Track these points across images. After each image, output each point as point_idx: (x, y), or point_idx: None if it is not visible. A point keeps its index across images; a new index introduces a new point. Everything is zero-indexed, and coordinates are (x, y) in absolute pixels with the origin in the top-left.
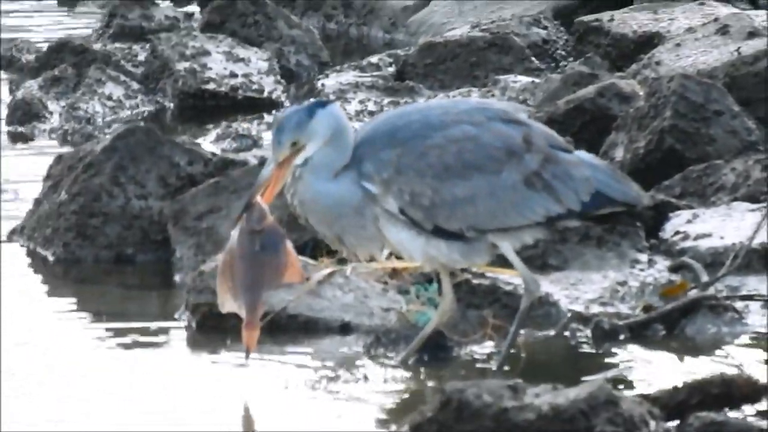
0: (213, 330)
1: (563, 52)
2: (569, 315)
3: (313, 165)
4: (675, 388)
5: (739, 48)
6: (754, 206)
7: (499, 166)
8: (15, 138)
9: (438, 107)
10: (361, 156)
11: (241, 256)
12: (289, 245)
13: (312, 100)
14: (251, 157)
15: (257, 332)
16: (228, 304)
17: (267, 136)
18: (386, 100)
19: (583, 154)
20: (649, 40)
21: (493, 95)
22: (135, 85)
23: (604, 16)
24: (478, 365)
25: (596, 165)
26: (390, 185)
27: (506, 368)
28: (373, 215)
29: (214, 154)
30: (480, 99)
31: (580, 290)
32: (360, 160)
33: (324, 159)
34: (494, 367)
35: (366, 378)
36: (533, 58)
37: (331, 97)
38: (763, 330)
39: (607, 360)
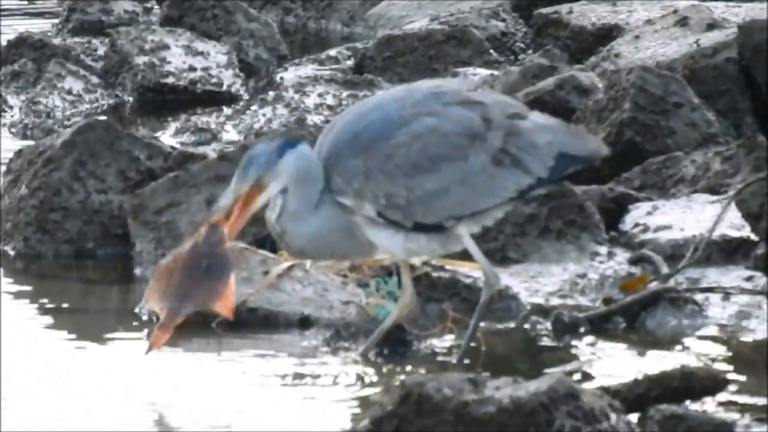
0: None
1: (522, 45)
2: (529, 308)
3: (291, 214)
4: (635, 381)
5: (698, 40)
6: (714, 198)
7: (464, 152)
8: None
9: (393, 100)
10: (329, 172)
11: (184, 268)
12: (232, 278)
13: (283, 138)
14: (210, 150)
15: (167, 336)
16: (152, 302)
17: (226, 130)
18: (345, 93)
19: (537, 117)
20: (608, 33)
21: None
22: (94, 80)
23: (563, 8)
24: (438, 359)
25: (553, 126)
26: (363, 193)
27: (466, 361)
28: (359, 227)
29: (173, 148)
30: (432, 82)
31: (540, 283)
32: (329, 176)
33: (299, 203)
34: (455, 361)
35: (326, 372)
36: (492, 51)
37: (290, 90)
38: (724, 322)
39: (567, 353)
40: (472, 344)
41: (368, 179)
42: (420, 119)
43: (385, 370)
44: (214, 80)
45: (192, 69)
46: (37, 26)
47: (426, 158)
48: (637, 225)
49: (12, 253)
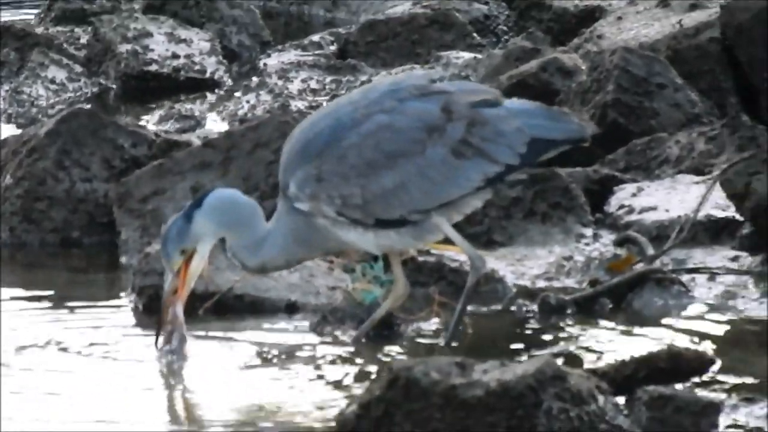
0: (159, 311)
1: (505, 28)
2: (515, 291)
3: (246, 250)
4: (623, 363)
5: (681, 20)
6: (699, 178)
7: (421, 146)
8: None
9: (348, 104)
10: (285, 182)
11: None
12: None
13: (187, 204)
14: (195, 138)
15: None
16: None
17: (210, 116)
18: (328, 79)
19: (513, 103)
20: (591, 14)
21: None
22: (78, 68)
23: None
24: (425, 342)
25: (529, 110)
26: (318, 196)
27: (454, 344)
28: (326, 229)
29: (157, 136)
30: (392, 78)
31: (525, 266)
32: (286, 185)
33: (241, 242)
34: (442, 344)
35: (313, 357)
36: (475, 34)
37: (273, 76)
38: (710, 302)
39: (554, 335)
40: (459, 327)
41: (320, 182)
42: (372, 118)
43: (372, 354)
44: (197, 67)
45: (175, 56)
46: (19, 16)
47: (380, 155)
48: (622, 206)
49: None
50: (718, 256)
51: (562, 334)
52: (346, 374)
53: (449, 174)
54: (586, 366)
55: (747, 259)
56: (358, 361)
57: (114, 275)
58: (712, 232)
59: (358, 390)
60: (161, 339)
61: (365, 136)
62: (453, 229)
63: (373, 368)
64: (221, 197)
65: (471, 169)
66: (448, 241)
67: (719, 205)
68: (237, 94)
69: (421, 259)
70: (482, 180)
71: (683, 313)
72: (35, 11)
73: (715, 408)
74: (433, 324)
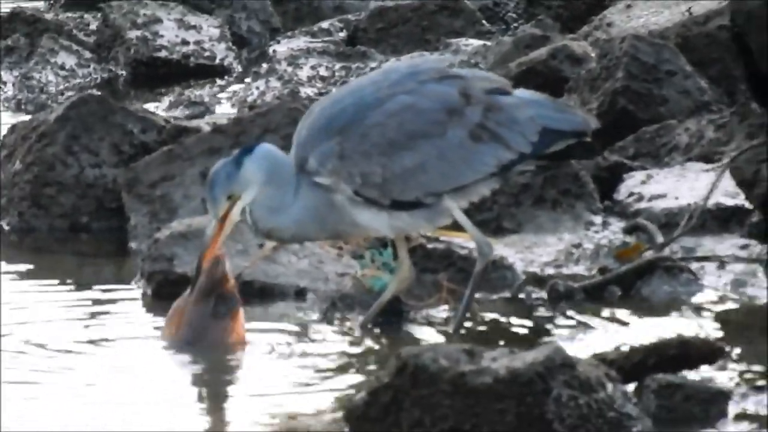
0: (168, 297)
1: (514, 15)
2: (524, 278)
3: (269, 211)
4: (632, 350)
5: (690, 8)
6: (708, 166)
7: (442, 127)
8: None
9: (369, 84)
10: (304, 157)
11: (194, 309)
12: (241, 312)
13: (238, 150)
14: (204, 124)
15: None
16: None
17: (219, 103)
18: (338, 66)
19: (523, 93)
20: (600, 2)
21: None
22: (87, 54)
23: None
24: (434, 329)
25: (538, 101)
26: (339, 172)
27: (462, 332)
28: (342, 207)
29: (167, 122)
30: (409, 61)
31: (535, 253)
32: (305, 160)
33: (268, 201)
34: (450, 331)
35: (322, 343)
36: (484, 21)
37: (283, 63)
38: (719, 291)
39: (563, 322)
40: (468, 315)
41: (342, 159)
42: (395, 98)
43: (381, 341)
44: (206, 54)
45: (185, 42)
46: (29, 2)
47: (402, 135)
48: (631, 194)
49: (7, 227)
50: (728, 244)
51: (570, 322)
52: (355, 361)
53: (467, 157)
54: (595, 354)
55: (756, 247)
56: (367, 347)
57: (122, 261)
58: (721, 219)
59: (367, 376)
60: (208, 299)
61: (388, 116)
62: (463, 214)
63: (382, 355)
64: (271, 150)
65: (487, 154)
66: (456, 227)
67: (728, 193)
68: (246, 80)
69: (430, 246)
70: (496, 166)
71: (692, 301)
72: None
73: (724, 396)
74: (442, 311)
